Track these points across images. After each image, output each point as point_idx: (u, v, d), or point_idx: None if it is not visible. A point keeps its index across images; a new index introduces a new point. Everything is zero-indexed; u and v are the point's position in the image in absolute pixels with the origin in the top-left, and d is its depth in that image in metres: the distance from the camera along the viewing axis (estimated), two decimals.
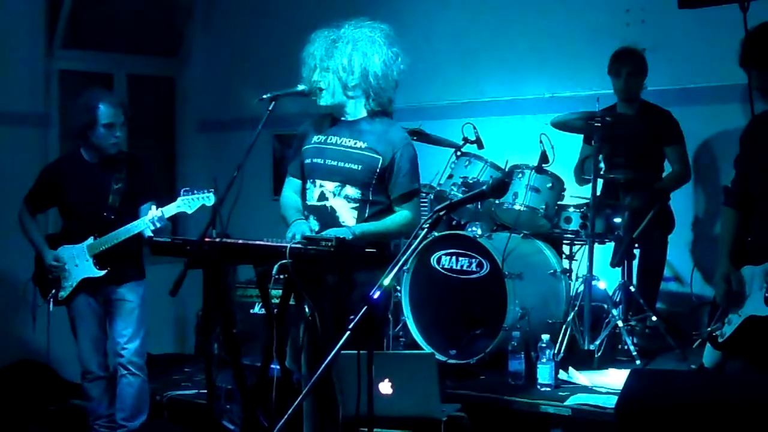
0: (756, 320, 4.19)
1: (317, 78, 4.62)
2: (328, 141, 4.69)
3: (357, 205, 4.60)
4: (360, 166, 4.59)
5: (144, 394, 6.06)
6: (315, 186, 4.68)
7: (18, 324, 7.41)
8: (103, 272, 5.83)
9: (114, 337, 5.97)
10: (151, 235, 5.56)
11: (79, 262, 5.85)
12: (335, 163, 4.64)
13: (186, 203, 5.56)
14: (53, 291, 5.90)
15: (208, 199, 5.53)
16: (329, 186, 4.63)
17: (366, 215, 4.61)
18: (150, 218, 5.60)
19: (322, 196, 4.65)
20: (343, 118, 4.72)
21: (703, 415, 3.50)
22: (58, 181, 5.97)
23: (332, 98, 4.64)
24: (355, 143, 4.63)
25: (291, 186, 4.87)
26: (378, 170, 4.58)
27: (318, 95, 4.64)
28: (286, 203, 4.84)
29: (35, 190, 6.09)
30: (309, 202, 4.71)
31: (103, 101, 5.81)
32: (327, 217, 4.61)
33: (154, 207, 5.67)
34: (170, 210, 5.59)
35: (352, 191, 4.60)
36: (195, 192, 5.56)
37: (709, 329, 4.44)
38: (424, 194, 6.87)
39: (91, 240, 5.81)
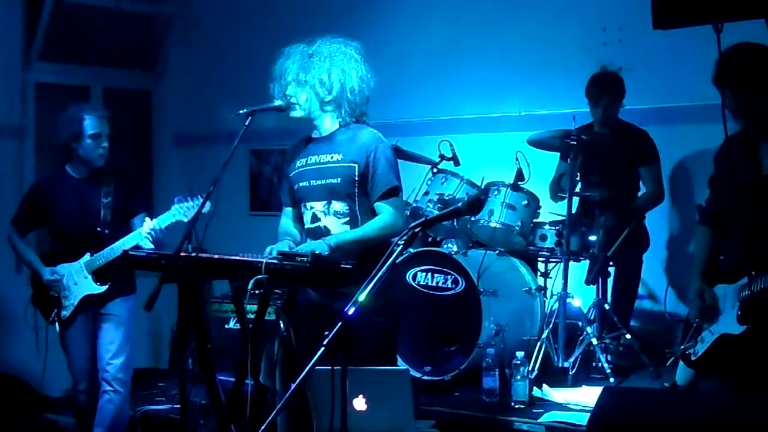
0: (728, 338, 4.21)
1: (291, 92, 4.63)
2: (308, 162, 4.70)
3: (347, 219, 4.60)
4: (339, 179, 4.60)
5: (123, 412, 6.00)
6: (307, 209, 4.69)
7: None
8: (104, 288, 5.79)
9: (100, 351, 5.93)
10: (152, 247, 5.52)
11: (78, 280, 5.80)
12: (318, 181, 4.65)
13: (181, 211, 5.49)
14: (55, 311, 5.84)
15: (205, 206, 5.49)
16: (318, 206, 4.65)
17: (360, 226, 4.60)
18: (146, 231, 5.54)
19: (315, 218, 4.66)
20: (316, 135, 4.74)
21: None
22: (45, 201, 5.91)
23: (306, 113, 4.66)
24: (332, 157, 4.64)
25: (287, 214, 4.88)
26: (357, 178, 4.58)
27: (292, 108, 4.65)
28: (279, 230, 4.85)
29: (22, 212, 6.02)
30: (306, 227, 4.72)
31: (88, 113, 5.81)
32: (322, 237, 4.59)
33: (148, 219, 5.62)
34: (167, 219, 5.53)
35: (339, 206, 4.61)
36: (188, 199, 5.50)
37: (682, 347, 4.46)
38: None
39: (87, 257, 5.77)
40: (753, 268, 4.14)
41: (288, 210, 4.87)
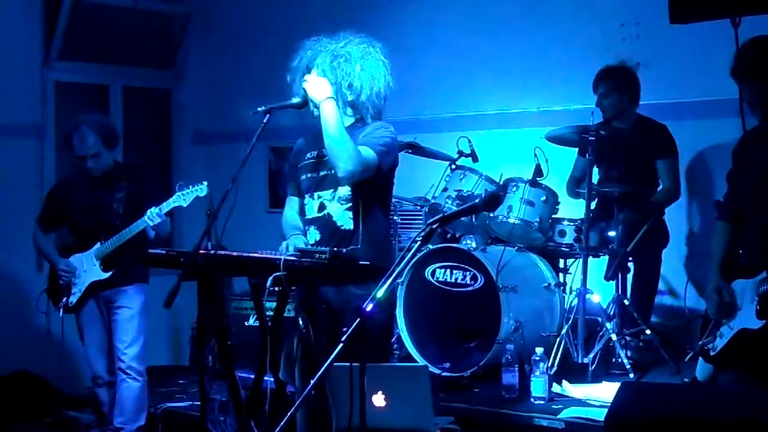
0: (748, 333, 4.20)
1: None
2: (320, 154, 4.69)
3: (350, 204, 4.59)
4: None
5: (143, 399, 6.20)
6: (314, 199, 4.68)
7: (13, 335, 7.44)
8: (107, 274, 6.00)
9: (114, 343, 6.12)
10: (153, 233, 5.84)
11: (87, 268, 6.03)
12: (327, 172, 4.65)
13: (181, 197, 5.70)
14: (64, 299, 6.07)
15: (201, 190, 5.68)
16: (327, 195, 4.64)
17: (360, 210, 4.59)
18: (148, 215, 5.73)
19: (322, 207, 4.65)
20: None
21: (693, 429, 3.50)
22: (63, 200, 6.19)
23: None
24: None
25: (291, 205, 4.87)
26: None
27: (310, 105, 4.64)
28: (285, 222, 4.84)
29: (44, 211, 6.30)
30: (309, 216, 4.70)
31: (76, 132, 5.96)
32: (326, 224, 4.62)
33: (152, 207, 5.78)
34: (167, 205, 5.75)
35: (344, 191, 4.60)
36: (189, 186, 5.70)
37: (700, 343, 4.45)
38: (418, 207, 6.90)
39: (98, 245, 5.99)
40: None
41: (293, 200, 4.85)
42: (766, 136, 4.31)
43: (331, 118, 4.48)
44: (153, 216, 5.72)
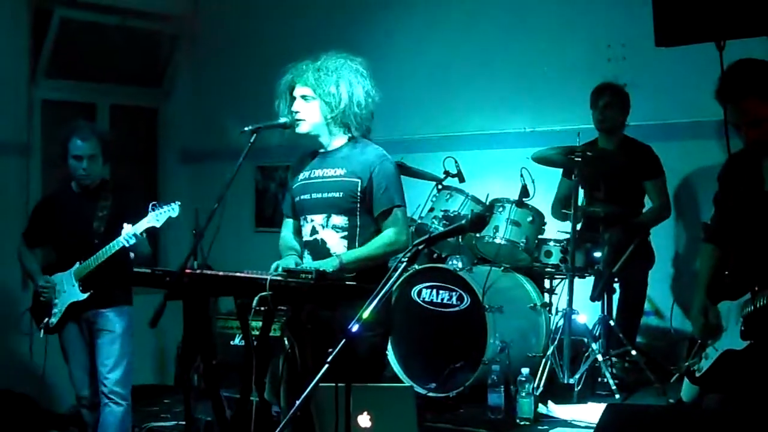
0: (732, 354, 4.21)
1: (298, 108, 4.64)
2: (312, 176, 4.71)
3: (346, 233, 4.60)
4: (341, 193, 4.60)
5: (126, 422, 6.06)
6: (307, 222, 4.70)
7: None
8: (86, 295, 5.88)
9: (97, 366, 6.01)
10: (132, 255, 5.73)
11: (66, 288, 5.92)
12: (319, 195, 4.66)
13: (153, 217, 5.61)
14: (45, 319, 5.97)
15: (173, 210, 5.62)
16: (318, 219, 4.65)
17: (357, 242, 4.61)
18: (123, 235, 5.65)
19: (313, 231, 4.66)
20: (322, 150, 4.75)
21: None
22: (48, 215, 6.11)
23: (312, 127, 4.67)
24: (335, 171, 4.65)
25: (287, 226, 4.89)
26: (359, 193, 4.59)
27: (297, 125, 4.66)
28: (281, 243, 4.86)
29: (30, 225, 6.24)
30: (304, 239, 4.73)
31: (76, 133, 5.92)
32: (319, 250, 4.62)
33: (127, 225, 5.68)
34: (141, 226, 5.63)
35: (339, 220, 4.61)
36: (162, 206, 5.62)
37: (686, 364, 4.45)
38: None
39: (77, 265, 5.89)
40: (756, 283, 4.14)
41: (289, 222, 4.88)
42: (751, 158, 4.33)
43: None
44: (129, 237, 5.63)
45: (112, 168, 6.63)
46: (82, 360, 6.06)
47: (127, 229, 5.65)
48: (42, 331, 6.00)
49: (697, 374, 4.37)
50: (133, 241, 5.64)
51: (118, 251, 5.69)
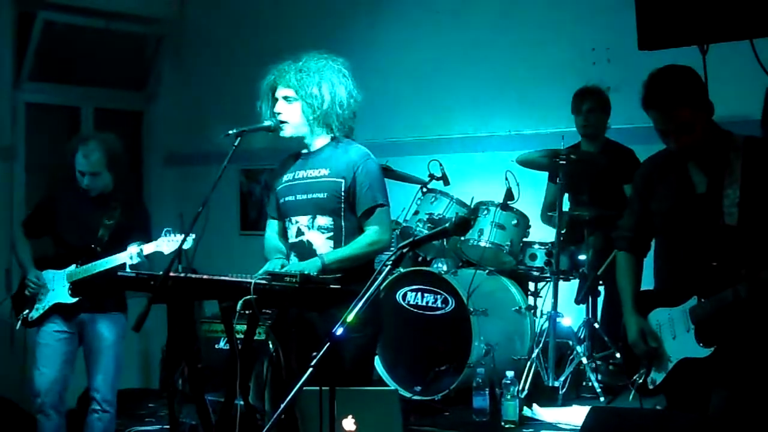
0: (690, 362, 4.12)
1: (280, 109, 4.64)
2: (296, 177, 4.71)
3: (331, 234, 4.60)
4: (325, 194, 4.61)
5: (111, 429, 6.01)
6: (292, 224, 4.69)
7: None
8: (74, 300, 5.80)
9: (90, 372, 5.93)
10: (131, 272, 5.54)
11: (56, 287, 5.84)
12: (304, 196, 4.65)
13: (164, 243, 5.48)
14: (26, 311, 5.88)
15: (186, 242, 5.42)
16: (303, 220, 4.65)
17: (343, 242, 4.60)
18: (129, 253, 5.56)
19: (299, 232, 4.66)
20: (305, 151, 4.75)
21: None
22: (53, 211, 6.00)
23: (296, 130, 4.67)
24: (319, 172, 4.65)
25: (271, 228, 4.88)
26: (342, 193, 4.59)
27: (281, 128, 4.66)
28: (267, 245, 4.85)
29: (31, 216, 6.16)
30: (290, 240, 4.72)
31: (82, 148, 5.83)
32: (305, 251, 4.62)
33: (134, 245, 5.60)
34: (148, 248, 5.54)
35: (324, 221, 4.61)
36: (175, 234, 5.47)
37: (632, 380, 4.32)
38: None
39: (73, 267, 5.81)
40: (697, 290, 4.09)
41: (273, 223, 4.86)
42: (676, 162, 4.26)
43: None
44: (133, 256, 5.53)
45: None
46: (55, 363, 5.87)
47: (134, 250, 5.56)
48: (20, 322, 5.90)
49: (651, 386, 4.26)
50: (137, 261, 5.55)
51: (117, 266, 5.60)
